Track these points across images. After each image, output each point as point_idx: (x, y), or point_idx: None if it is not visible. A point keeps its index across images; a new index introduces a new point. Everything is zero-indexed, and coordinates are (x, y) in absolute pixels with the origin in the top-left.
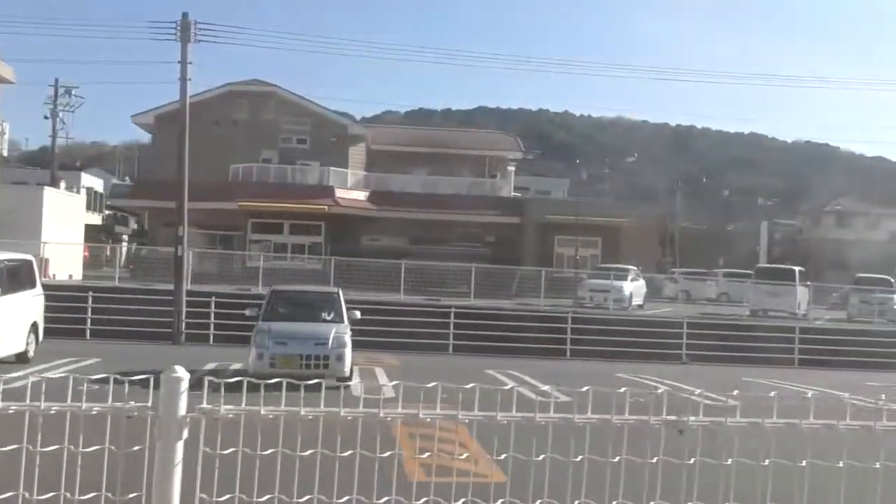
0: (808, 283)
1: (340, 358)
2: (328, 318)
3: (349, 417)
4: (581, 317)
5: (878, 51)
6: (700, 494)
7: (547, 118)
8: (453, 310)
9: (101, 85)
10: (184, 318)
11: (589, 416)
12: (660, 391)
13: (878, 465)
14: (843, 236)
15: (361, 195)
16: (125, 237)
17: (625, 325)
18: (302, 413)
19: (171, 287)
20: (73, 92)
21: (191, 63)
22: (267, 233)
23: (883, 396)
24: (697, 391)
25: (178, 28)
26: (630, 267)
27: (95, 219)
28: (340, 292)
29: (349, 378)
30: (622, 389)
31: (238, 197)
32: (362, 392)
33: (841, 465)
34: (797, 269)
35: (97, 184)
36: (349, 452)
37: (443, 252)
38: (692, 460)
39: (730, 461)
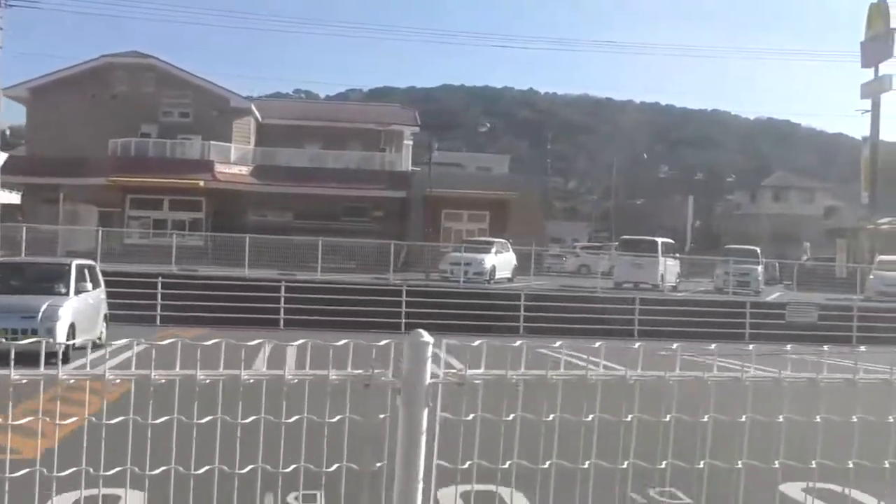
0: (676, 255)
1: (51, 331)
2: (59, 291)
3: None
4: (417, 290)
5: (844, 29)
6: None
7: (511, 96)
8: (283, 284)
9: None
10: None
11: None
12: (382, 343)
13: (590, 417)
14: (778, 210)
15: (245, 170)
16: None
17: (466, 298)
18: None
19: None
20: None
21: (1, 29)
22: (146, 209)
23: (597, 344)
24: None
25: None
26: (496, 240)
27: (15, 198)
28: (76, 264)
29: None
30: (342, 342)
31: (115, 172)
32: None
33: (591, 418)
34: (661, 240)
35: None
36: None
37: (328, 227)
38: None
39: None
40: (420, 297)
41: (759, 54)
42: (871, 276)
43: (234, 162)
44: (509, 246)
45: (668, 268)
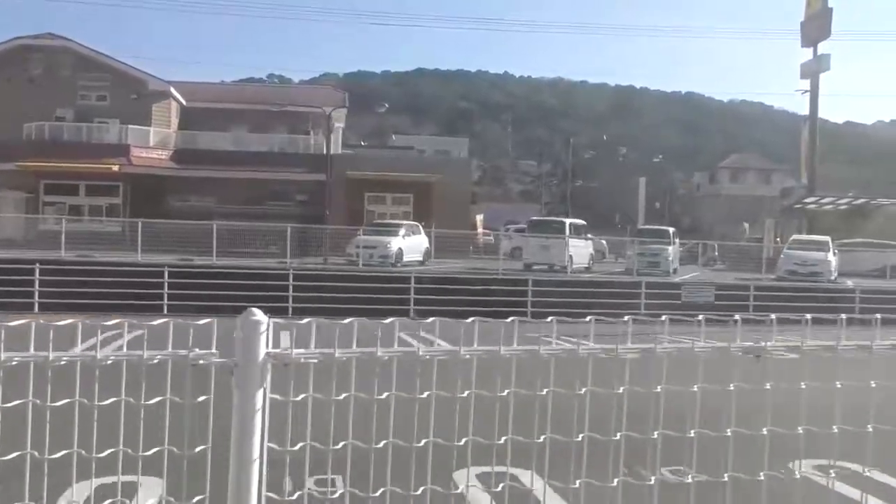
0: (590, 236)
1: None
2: None
3: None
4: (306, 273)
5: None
6: None
7: (486, 79)
8: (167, 269)
9: None
10: None
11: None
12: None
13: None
14: (736, 192)
15: (164, 154)
16: None
17: (356, 282)
18: None
19: None
20: None
21: None
22: (61, 194)
23: (431, 320)
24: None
25: None
26: (405, 222)
27: None
28: None
29: None
30: (158, 321)
31: (28, 157)
32: None
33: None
34: (568, 221)
35: None
36: None
37: (251, 212)
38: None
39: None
40: (309, 280)
41: (735, 35)
42: (782, 256)
43: (153, 146)
44: (420, 228)
45: (579, 249)
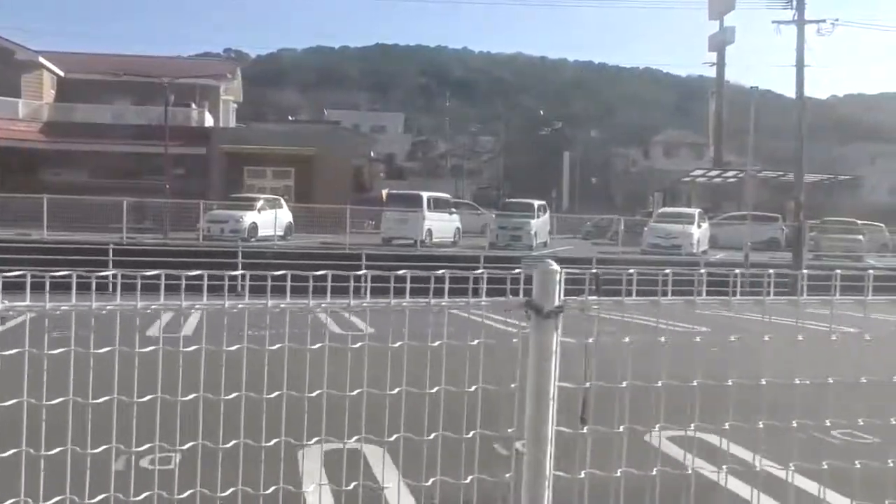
0: (453, 210)
1: None
2: None
3: None
4: (123, 249)
5: None
6: None
7: (445, 55)
8: None
9: None
10: None
11: None
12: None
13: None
14: (669, 166)
15: (34, 126)
16: None
17: (175, 257)
18: None
19: None
20: None
21: None
22: None
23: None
24: None
25: None
26: (264, 196)
27: None
28: None
29: None
30: None
31: None
32: None
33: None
34: (426, 194)
35: None
36: None
37: (123, 186)
38: None
39: None
40: (132, 256)
41: (694, 8)
42: (646, 229)
43: (22, 118)
44: (283, 202)
45: (440, 223)
